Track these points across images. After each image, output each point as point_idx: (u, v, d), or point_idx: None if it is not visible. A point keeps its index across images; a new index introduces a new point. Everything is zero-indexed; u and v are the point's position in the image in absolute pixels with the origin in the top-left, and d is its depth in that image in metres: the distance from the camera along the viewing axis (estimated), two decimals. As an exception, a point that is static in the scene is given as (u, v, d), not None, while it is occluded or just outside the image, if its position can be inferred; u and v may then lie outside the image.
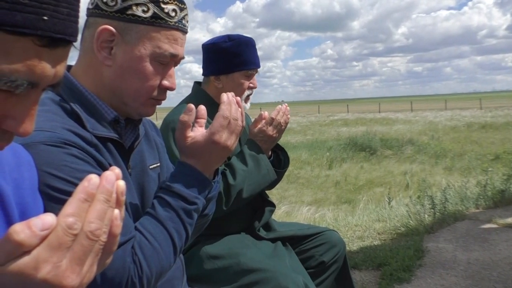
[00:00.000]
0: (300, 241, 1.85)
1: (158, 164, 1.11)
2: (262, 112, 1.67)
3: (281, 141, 1.82)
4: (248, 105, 1.79)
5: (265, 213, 1.80)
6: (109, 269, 0.81)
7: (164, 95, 1.01)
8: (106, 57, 0.93)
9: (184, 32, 0.98)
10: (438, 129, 19.29)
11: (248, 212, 1.77)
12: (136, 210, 0.99)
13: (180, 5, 0.96)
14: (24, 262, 0.41)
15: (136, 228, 0.91)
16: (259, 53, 1.79)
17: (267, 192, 1.86)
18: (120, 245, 0.83)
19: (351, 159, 12.93)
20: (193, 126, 1.02)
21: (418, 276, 2.86)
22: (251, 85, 1.75)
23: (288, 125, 1.88)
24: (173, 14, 0.94)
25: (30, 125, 0.49)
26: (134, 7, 0.91)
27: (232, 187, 1.52)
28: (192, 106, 0.99)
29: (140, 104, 0.98)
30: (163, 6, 0.92)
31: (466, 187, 4.92)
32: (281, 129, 1.67)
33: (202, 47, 1.76)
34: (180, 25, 0.96)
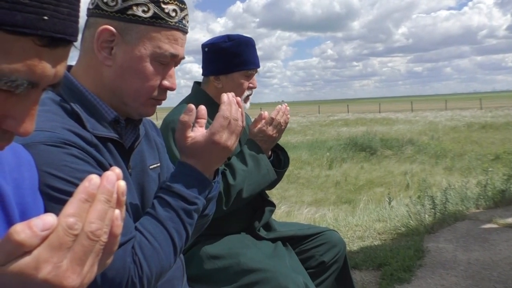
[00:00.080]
0: (300, 241, 1.85)
1: (158, 164, 1.11)
2: (262, 112, 1.67)
3: (281, 141, 1.81)
4: (248, 105, 1.79)
5: (265, 213, 1.80)
6: (109, 269, 0.81)
7: (164, 95, 1.01)
8: (106, 57, 0.93)
9: (185, 32, 0.98)
10: (438, 129, 19.27)
11: (248, 212, 1.77)
12: (136, 210, 0.99)
13: (180, 5, 0.96)
14: (24, 262, 0.41)
15: (136, 228, 0.91)
16: (259, 53, 1.79)
17: (267, 192, 1.86)
18: (120, 245, 0.83)
19: (351, 159, 12.92)
20: (193, 126, 1.02)
21: (419, 276, 2.86)
22: (250, 85, 1.74)
23: (288, 125, 1.88)
24: (173, 14, 0.94)
25: (31, 125, 0.49)
26: (134, 7, 0.91)
27: (232, 187, 1.52)
28: (192, 106, 0.99)
29: (140, 104, 0.98)
30: (163, 6, 0.92)
31: (466, 187, 4.92)
32: (281, 129, 1.67)
33: (202, 47, 1.76)
34: (180, 25, 0.96)
